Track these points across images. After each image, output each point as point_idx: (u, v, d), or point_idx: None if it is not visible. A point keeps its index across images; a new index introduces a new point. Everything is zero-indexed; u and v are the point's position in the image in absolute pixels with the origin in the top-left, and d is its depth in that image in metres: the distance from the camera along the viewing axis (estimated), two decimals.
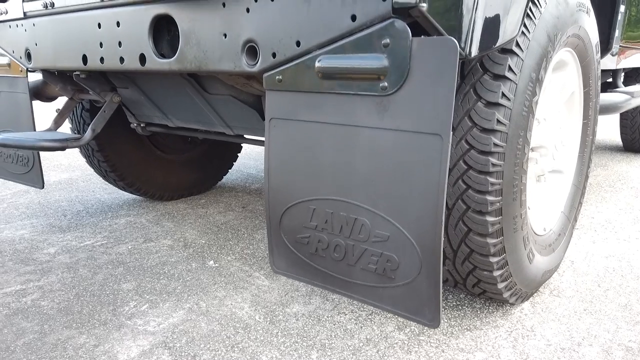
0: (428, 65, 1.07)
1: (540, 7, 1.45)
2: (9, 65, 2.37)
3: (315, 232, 1.34)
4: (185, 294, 1.96)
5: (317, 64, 1.23)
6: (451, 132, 1.07)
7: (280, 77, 1.31)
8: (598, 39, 1.94)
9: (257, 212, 3.05)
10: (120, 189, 3.12)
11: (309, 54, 1.25)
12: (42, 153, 4.86)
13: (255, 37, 1.34)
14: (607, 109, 2.57)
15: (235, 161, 3.63)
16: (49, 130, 2.28)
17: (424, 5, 1.05)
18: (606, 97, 2.56)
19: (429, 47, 1.06)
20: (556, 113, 1.87)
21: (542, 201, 1.91)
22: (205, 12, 1.45)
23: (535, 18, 1.43)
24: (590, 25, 1.82)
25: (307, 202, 1.34)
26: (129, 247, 2.47)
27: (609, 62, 2.46)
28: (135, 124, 2.50)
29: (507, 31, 1.30)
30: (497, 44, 1.28)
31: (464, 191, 1.44)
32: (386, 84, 1.13)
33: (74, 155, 4.83)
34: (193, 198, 3.36)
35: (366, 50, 1.14)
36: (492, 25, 1.24)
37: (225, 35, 1.42)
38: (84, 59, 1.90)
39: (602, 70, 2.76)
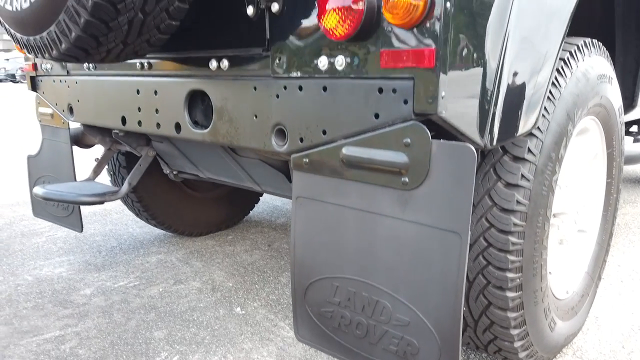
0: (447, 167, 1.13)
1: (561, 87, 1.49)
2: (52, 115, 2.52)
3: (338, 308, 1.40)
4: (213, 345, 2.04)
5: (342, 153, 1.30)
6: (469, 231, 1.12)
7: (307, 160, 1.39)
8: (621, 103, 1.96)
9: (282, 251, 3.13)
10: (152, 226, 3.25)
11: (334, 142, 1.32)
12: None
13: (284, 122, 1.42)
14: (632, 160, 2.56)
15: (261, 195, 3.73)
16: (88, 179, 2.41)
17: (444, 113, 1.11)
18: (632, 149, 2.55)
19: (449, 151, 1.12)
20: (578, 178, 1.89)
21: (564, 264, 1.92)
22: (238, 92, 1.54)
23: (555, 99, 1.47)
24: (613, 93, 1.84)
25: (331, 279, 1.40)
26: (160, 289, 2.57)
27: (633, 114, 2.46)
28: (168, 171, 2.62)
29: (528, 121, 1.35)
30: (517, 134, 1.33)
31: (484, 267, 1.48)
32: (407, 179, 1.19)
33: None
34: (221, 234, 3.46)
35: (388, 147, 1.20)
36: (511, 117, 1.29)
37: (256, 116, 1.50)
38: (123, 120, 2.02)
39: (626, 122, 2.75)
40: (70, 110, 2.33)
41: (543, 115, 1.44)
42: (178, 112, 1.76)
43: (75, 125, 2.59)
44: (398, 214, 1.22)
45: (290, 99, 1.40)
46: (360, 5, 1.13)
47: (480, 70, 1.17)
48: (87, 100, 2.20)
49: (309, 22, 1.30)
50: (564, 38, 1.40)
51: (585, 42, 1.65)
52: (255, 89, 1.49)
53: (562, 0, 1.39)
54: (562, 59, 1.52)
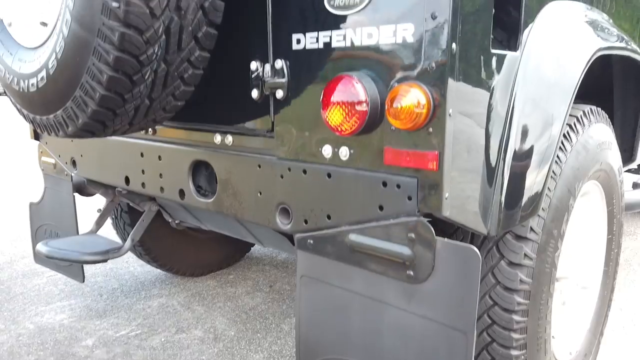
0: (452, 266, 1.14)
1: (561, 163, 1.51)
2: (54, 165, 2.53)
3: None
4: None
5: (346, 238, 1.31)
6: (475, 330, 1.13)
7: (311, 241, 1.40)
8: (621, 163, 1.98)
9: (284, 293, 3.13)
10: (154, 267, 3.25)
11: (338, 227, 1.33)
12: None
13: (288, 202, 1.44)
14: (632, 207, 2.58)
15: None
16: (91, 232, 2.41)
17: (448, 213, 1.13)
18: (631, 196, 2.57)
19: (453, 251, 1.13)
20: (580, 238, 1.90)
21: (567, 325, 1.93)
22: (242, 168, 1.55)
23: (556, 176, 1.49)
24: (613, 157, 1.86)
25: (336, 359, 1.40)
26: (162, 339, 2.57)
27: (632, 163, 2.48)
28: (170, 220, 2.63)
29: (530, 208, 1.36)
30: (521, 221, 1.34)
31: (489, 344, 1.49)
32: (412, 273, 1.20)
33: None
34: (222, 273, 3.46)
35: (393, 239, 1.22)
36: (514, 207, 1.30)
37: (260, 193, 1.51)
38: (127, 180, 2.03)
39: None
40: (74, 163, 2.35)
41: (546, 195, 1.45)
42: (182, 179, 1.78)
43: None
44: (404, 306, 1.23)
45: (295, 181, 1.41)
46: (364, 107, 1.15)
47: (483, 168, 1.19)
48: (91, 156, 2.21)
49: (313, 111, 1.31)
50: (563, 126, 1.42)
51: (584, 112, 1.67)
52: (259, 166, 1.50)
53: (561, 99, 1.41)
54: (563, 135, 1.54)
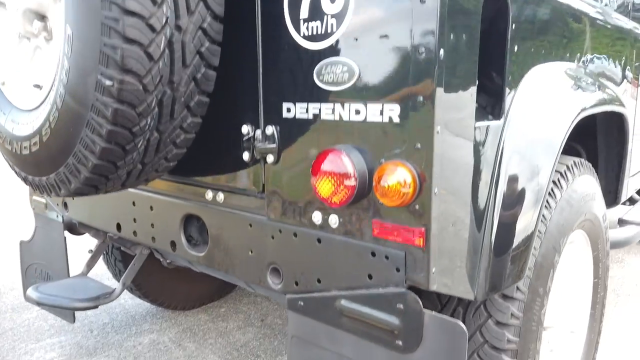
0: (440, 339, 1.16)
1: (546, 221, 1.54)
2: (45, 205, 2.53)
3: None
4: None
5: (337, 303, 1.33)
6: None
7: (302, 303, 1.41)
8: (605, 210, 2.02)
9: (275, 327, 3.13)
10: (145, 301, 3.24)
11: (329, 291, 1.35)
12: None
13: (279, 263, 1.46)
14: (619, 244, 2.62)
15: None
16: (82, 275, 2.41)
17: (435, 287, 1.15)
18: (617, 234, 2.62)
19: (440, 325, 1.16)
20: (565, 285, 1.93)
21: None
22: (233, 225, 1.57)
23: (541, 234, 1.52)
24: (598, 205, 1.90)
25: None
26: None
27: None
28: (162, 260, 2.63)
29: (516, 271, 1.39)
30: (506, 286, 1.37)
31: None
32: (401, 343, 1.22)
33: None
34: (214, 306, 3.46)
35: (382, 308, 1.24)
36: (500, 272, 1.33)
37: (251, 251, 1.53)
38: (118, 227, 2.04)
39: None
40: (65, 205, 2.35)
41: (531, 254, 1.48)
42: (174, 231, 1.79)
43: None
44: None
45: (285, 243, 1.43)
46: (353, 182, 1.18)
47: (469, 240, 1.22)
48: (83, 199, 2.22)
49: (304, 178, 1.34)
50: (548, 187, 1.45)
51: (568, 167, 1.71)
52: (250, 225, 1.52)
53: (545, 163, 1.44)
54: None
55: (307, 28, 1.26)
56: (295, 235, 1.40)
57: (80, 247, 3.04)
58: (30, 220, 2.76)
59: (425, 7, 1.05)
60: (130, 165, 1.37)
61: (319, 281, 1.37)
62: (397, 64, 1.11)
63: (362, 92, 1.18)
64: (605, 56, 1.97)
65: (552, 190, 1.60)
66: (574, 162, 1.77)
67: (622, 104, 1.95)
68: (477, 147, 1.24)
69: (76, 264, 2.59)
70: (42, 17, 1.44)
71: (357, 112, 1.20)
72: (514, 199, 1.33)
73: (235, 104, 1.48)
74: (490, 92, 1.37)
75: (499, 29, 1.31)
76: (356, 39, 1.17)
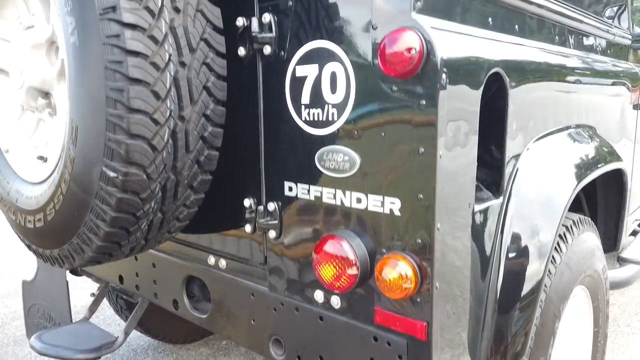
0: None
1: (547, 288, 1.55)
2: None
3: None
4: None
5: None
6: None
7: None
8: (605, 263, 2.03)
9: None
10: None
11: None
12: None
13: (281, 335, 1.47)
14: (618, 285, 2.63)
15: None
16: (84, 320, 2.42)
17: None
18: (616, 274, 2.62)
19: None
20: (564, 340, 1.94)
21: None
22: (236, 293, 1.58)
23: (542, 302, 1.53)
24: (598, 260, 1.91)
25: None
26: None
27: None
28: None
29: (517, 349, 1.39)
30: None
31: None
32: None
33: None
34: (215, 338, 3.46)
35: None
36: (500, 354, 1.34)
37: (253, 321, 1.54)
38: (120, 279, 2.05)
39: None
40: None
41: (535, 325, 1.49)
42: (176, 290, 1.80)
43: None
44: None
45: (287, 317, 1.44)
46: (354, 270, 1.19)
47: (471, 331, 1.23)
48: None
49: (306, 257, 1.35)
50: (548, 260, 1.46)
51: (567, 228, 1.72)
52: (252, 295, 1.53)
53: (545, 237, 1.46)
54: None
55: (309, 114, 1.27)
56: (297, 309, 1.41)
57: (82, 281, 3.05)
58: (33, 257, 2.77)
59: (425, 109, 1.06)
60: (134, 242, 1.38)
61: (321, 358, 1.38)
62: (397, 159, 1.12)
63: (363, 183, 1.19)
64: (600, 113, 1.99)
65: (553, 257, 1.60)
66: (573, 222, 1.78)
67: (619, 159, 1.97)
68: (477, 232, 1.25)
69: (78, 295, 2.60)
70: (46, 94, 1.46)
71: (359, 200, 1.21)
72: (514, 285, 1.35)
73: (238, 178, 1.49)
74: (489, 171, 1.38)
75: (497, 111, 1.33)
76: (357, 131, 1.19)
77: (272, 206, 1.41)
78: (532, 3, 1.54)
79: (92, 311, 2.48)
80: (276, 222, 1.40)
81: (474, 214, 1.24)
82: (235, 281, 1.58)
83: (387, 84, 1.10)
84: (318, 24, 1.22)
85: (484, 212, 1.29)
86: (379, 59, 1.08)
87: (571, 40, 1.85)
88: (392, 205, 1.15)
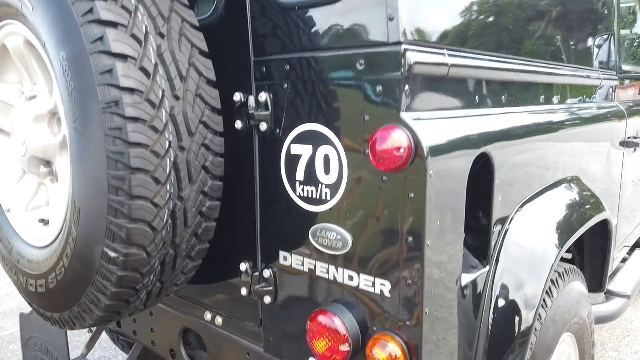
0: None
1: (533, 345, 1.61)
2: None
3: None
4: None
5: None
6: None
7: None
8: (591, 308, 2.10)
9: None
10: None
11: None
12: None
13: None
14: (605, 320, 2.70)
15: None
16: (82, 356, 2.46)
17: None
18: (603, 309, 2.69)
19: None
20: None
21: None
22: (232, 350, 1.63)
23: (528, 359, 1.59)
24: (584, 307, 1.97)
25: None
26: None
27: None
28: None
29: None
30: None
31: None
32: None
33: None
34: None
35: None
36: None
37: None
38: (119, 323, 2.10)
39: None
40: None
41: None
42: (173, 340, 1.85)
43: None
44: None
45: None
46: (346, 347, 1.24)
47: None
48: None
49: (300, 325, 1.40)
50: (534, 320, 1.52)
51: (554, 282, 1.78)
52: (248, 354, 1.58)
53: (531, 298, 1.51)
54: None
55: (303, 190, 1.32)
56: None
57: None
58: None
59: (413, 202, 1.12)
60: (133, 309, 1.43)
61: None
62: (387, 244, 1.18)
63: (355, 262, 1.25)
64: (586, 162, 2.06)
65: (539, 315, 1.66)
66: (559, 275, 1.83)
67: (604, 209, 2.03)
68: (465, 305, 1.31)
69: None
70: (48, 163, 1.50)
71: (351, 278, 1.26)
72: (501, 350, 1.40)
73: (235, 243, 1.54)
74: (477, 239, 1.44)
75: (483, 184, 1.38)
76: (349, 213, 1.24)
77: (267, 273, 1.45)
78: (518, 72, 1.59)
79: (90, 348, 2.51)
80: (271, 288, 1.45)
81: (462, 289, 1.29)
82: (232, 338, 1.63)
83: (378, 174, 1.16)
84: (313, 108, 1.27)
85: (472, 284, 1.35)
86: (369, 152, 1.14)
87: (556, 97, 1.91)
88: (383, 287, 1.20)
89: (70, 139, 1.21)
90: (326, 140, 1.25)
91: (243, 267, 1.51)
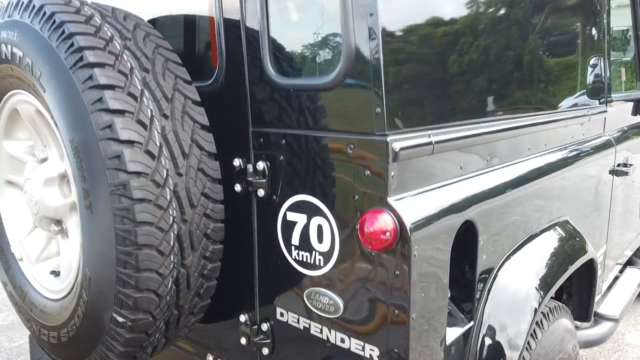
0: None
1: None
2: None
3: None
4: None
5: None
6: None
7: None
8: (576, 342, 2.19)
9: None
10: None
11: None
12: None
13: None
14: (593, 344, 2.79)
15: None
16: None
17: None
18: (591, 333, 2.78)
19: None
20: None
21: None
22: None
23: None
24: (569, 342, 2.05)
25: None
26: None
27: None
28: None
29: None
30: None
31: None
32: None
33: None
34: None
35: None
36: None
37: None
38: None
39: None
40: None
41: None
42: None
43: None
44: None
45: None
46: None
47: None
48: None
49: None
50: None
51: (538, 324, 1.86)
52: None
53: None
54: None
55: (298, 254, 1.41)
56: None
57: None
58: None
59: (398, 278, 1.21)
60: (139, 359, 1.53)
61: None
62: (376, 313, 1.27)
63: (346, 326, 1.34)
64: (573, 201, 2.14)
65: (523, 358, 1.75)
66: (544, 315, 1.92)
67: (589, 249, 2.11)
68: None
69: None
70: (59, 221, 1.59)
71: (342, 340, 1.36)
72: None
73: (235, 296, 1.63)
74: (461, 295, 1.53)
75: (467, 244, 1.47)
76: (341, 280, 1.33)
77: (265, 326, 1.55)
78: (502, 131, 1.66)
79: None
80: (269, 341, 1.54)
81: (447, 347, 1.39)
82: None
83: (367, 250, 1.25)
84: (307, 181, 1.36)
85: (457, 341, 1.44)
86: (358, 231, 1.23)
87: (543, 143, 1.98)
88: (372, 352, 1.30)
89: (81, 215, 1.31)
90: (319, 212, 1.34)
91: (242, 318, 1.61)
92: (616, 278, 3.54)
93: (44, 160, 1.59)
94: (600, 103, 2.62)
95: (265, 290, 1.54)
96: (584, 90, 2.46)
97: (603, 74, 2.62)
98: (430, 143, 1.30)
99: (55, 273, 1.67)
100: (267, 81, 1.38)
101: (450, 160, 1.43)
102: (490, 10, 1.63)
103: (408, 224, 1.18)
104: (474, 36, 1.51)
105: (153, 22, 1.70)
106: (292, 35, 1.39)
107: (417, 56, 1.31)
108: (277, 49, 1.38)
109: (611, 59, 2.83)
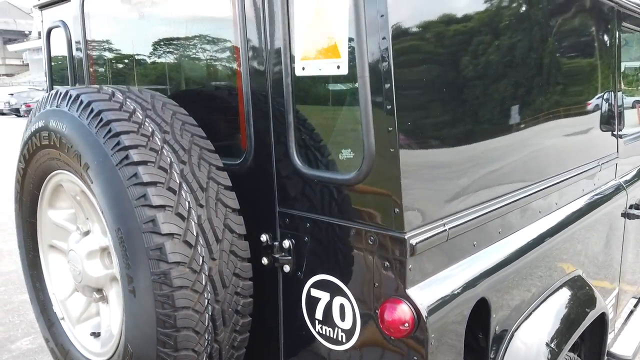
0: None
1: None
2: None
3: None
4: None
5: None
6: None
7: None
8: None
9: None
10: None
11: None
12: None
13: None
14: None
15: None
16: None
17: None
18: None
19: None
20: None
21: None
22: None
23: None
24: None
25: None
26: None
27: None
28: None
29: None
30: None
31: None
32: None
33: None
34: None
35: None
36: None
37: None
38: None
39: None
40: None
41: None
42: None
43: None
44: None
45: None
46: None
47: None
48: None
49: None
50: None
51: None
52: None
53: None
54: None
55: (322, 328, 1.52)
56: None
57: None
58: None
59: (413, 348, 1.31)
60: None
61: None
62: None
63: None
64: (585, 254, 2.20)
65: None
66: None
67: (600, 303, 2.18)
68: None
69: None
70: (100, 290, 1.72)
71: None
72: None
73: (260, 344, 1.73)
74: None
75: (479, 317, 1.56)
76: (361, 357, 1.43)
77: None
78: (514, 202, 1.75)
79: None
80: None
81: None
82: None
83: (386, 335, 1.35)
84: (330, 262, 1.47)
85: None
86: (379, 317, 1.33)
87: (555, 203, 2.06)
88: None
89: (124, 298, 1.43)
90: (341, 293, 1.44)
91: None
92: (631, 312, 3.58)
93: (87, 233, 1.72)
94: (611, 154, 2.66)
95: (289, 357, 1.65)
96: (595, 142, 2.52)
97: (615, 124, 2.68)
98: (445, 231, 1.40)
99: (95, 334, 1.80)
100: (293, 169, 1.49)
101: (464, 240, 1.53)
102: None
103: (424, 313, 1.28)
104: (483, 123, 1.61)
105: (187, 103, 1.77)
106: (317, 129, 1.50)
107: (432, 158, 1.41)
108: (302, 141, 1.49)
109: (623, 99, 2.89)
